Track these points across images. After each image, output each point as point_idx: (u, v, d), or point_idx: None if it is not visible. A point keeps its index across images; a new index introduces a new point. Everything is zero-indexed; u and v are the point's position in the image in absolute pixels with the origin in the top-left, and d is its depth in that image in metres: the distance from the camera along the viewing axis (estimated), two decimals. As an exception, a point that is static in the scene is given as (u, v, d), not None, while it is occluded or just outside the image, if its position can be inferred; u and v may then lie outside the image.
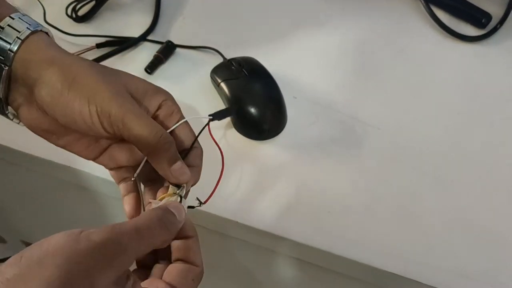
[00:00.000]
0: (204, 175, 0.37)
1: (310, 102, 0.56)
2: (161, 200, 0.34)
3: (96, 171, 0.50)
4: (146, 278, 0.33)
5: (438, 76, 0.58)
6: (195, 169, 0.36)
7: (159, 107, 0.36)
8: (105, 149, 0.37)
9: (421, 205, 0.48)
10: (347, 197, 0.48)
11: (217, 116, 0.45)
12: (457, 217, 0.47)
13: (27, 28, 0.34)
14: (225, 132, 0.53)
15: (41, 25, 0.35)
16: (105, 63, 0.59)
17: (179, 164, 0.34)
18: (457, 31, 0.61)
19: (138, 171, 0.37)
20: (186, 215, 0.32)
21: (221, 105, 0.55)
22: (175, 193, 0.34)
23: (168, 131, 0.36)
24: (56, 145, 0.36)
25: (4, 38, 0.33)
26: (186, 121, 0.37)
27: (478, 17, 0.62)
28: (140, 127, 0.32)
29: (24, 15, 0.35)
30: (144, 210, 0.37)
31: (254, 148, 0.52)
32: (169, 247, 0.33)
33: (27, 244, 0.91)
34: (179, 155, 0.34)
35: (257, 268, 0.59)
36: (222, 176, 0.38)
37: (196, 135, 0.37)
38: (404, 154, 0.51)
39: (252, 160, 0.51)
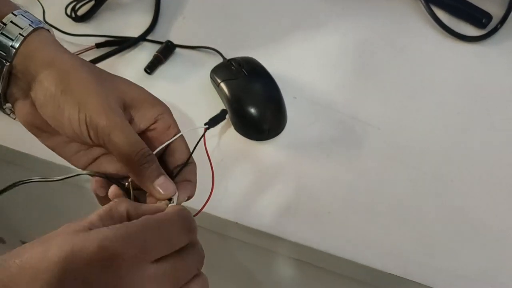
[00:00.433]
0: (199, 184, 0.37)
1: (310, 102, 0.55)
2: None
3: (96, 171, 0.50)
4: None
5: (438, 76, 0.58)
6: (190, 184, 0.36)
7: (155, 121, 0.36)
8: (95, 159, 0.37)
9: (421, 205, 0.48)
10: (347, 198, 0.48)
11: (212, 123, 0.47)
12: (457, 217, 0.47)
13: (29, 25, 0.34)
14: (225, 133, 0.53)
15: (42, 22, 0.36)
16: (104, 63, 0.59)
17: (161, 179, 0.33)
18: (457, 31, 0.61)
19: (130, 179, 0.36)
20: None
21: (221, 105, 0.54)
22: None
23: (163, 146, 0.36)
24: (45, 145, 0.36)
25: (7, 34, 0.33)
26: (182, 136, 0.36)
27: (478, 17, 0.62)
28: (123, 144, 0.32)
29: (26, 12, 0.35)
30: None
31: (254, 149, 0.52)
32: None
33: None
34: (162, 171, 0.34)
35: (257, 269, 0.59)
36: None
37: (193, 146, 0.37)
38: (404, 154, 0.51)
39: (252, 160, 0.51)
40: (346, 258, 0.44)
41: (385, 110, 0.55)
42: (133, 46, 0.61)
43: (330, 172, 0.50)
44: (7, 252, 0.28)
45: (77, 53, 0.58)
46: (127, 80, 0.36)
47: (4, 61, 0.33)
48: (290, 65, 0.59)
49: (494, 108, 0.55)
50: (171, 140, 0.36)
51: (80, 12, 0.64)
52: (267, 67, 0.55)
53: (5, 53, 0.33)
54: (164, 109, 0.36)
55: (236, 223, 0.46)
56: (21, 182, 0.38)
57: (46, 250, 0.27)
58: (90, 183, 0.36)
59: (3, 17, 0.34)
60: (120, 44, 0.61)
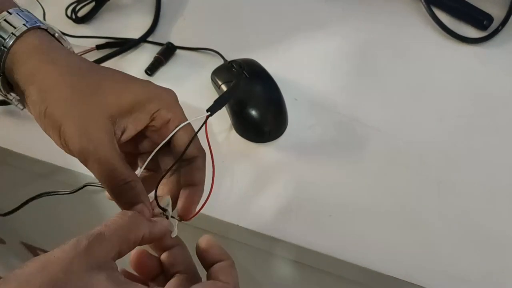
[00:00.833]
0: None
1: (311, 104, 0.55)
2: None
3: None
4: None
5: (439, 78, 0.58)
6: (193, 189, 0.36)
7: (152, 119, 0.35)
8: None
9: (422, 208, 0.47)
10: (348, 200, 0.48)
11: (215, 107, 0.40)
12: (459, 221, 0.47)
13: (24, 24, 0.34)
14: (225, 135, 0.53)
15: (38, 21, 0.35)
16: (105, 64, 0.59)
17: (139, 207, 0.33)
18: (459, 33, 0.61)
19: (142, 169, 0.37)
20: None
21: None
22: (162, 213, 0.35)
23: (161, 144, 0.35)
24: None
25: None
26: (187, 127, 0.36)
27: (479, 19, 0.62)
28: (98, 174, 0.32)
29: (22, 11, 0.35)
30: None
31: (254, 151, 0.52)
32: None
33: (27, 245, 0.91)
34: (140, 197, 0.33)
35: (258, 271, 0.58)
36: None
37: (192, 137, 0.36)
38: (405, 156, 0.51)
39: (253, 162, 0.51)
40: (347, 260, 0.44)
41: (386, 112, 0.55)
42: (134, 47, 0.61)
43: (331, 174, 0.50)
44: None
45: (77, 55, 0.58)
46: (118, 82, 0.34)
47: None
48: (291, 67, 0.59)
49: (496, 110, 0.55)
50: (161, 145, 0.35)
51: (80, 14, 0.63)
52: (268, 69, 0.55)
53: None
54: (160, 104, 0.35)
55: (237, 225, 0.46)
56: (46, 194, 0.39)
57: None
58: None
59: None
60: (120, 46, 0.61)
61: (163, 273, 0.34)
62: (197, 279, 0.33)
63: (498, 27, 0.61)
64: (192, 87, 0.57)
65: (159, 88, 0.36)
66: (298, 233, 0.46)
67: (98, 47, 0.60)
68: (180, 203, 0.36)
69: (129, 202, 0.33)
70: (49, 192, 0.40)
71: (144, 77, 0.58)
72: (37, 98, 0.32)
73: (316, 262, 0.47)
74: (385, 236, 0.46)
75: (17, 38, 0.33)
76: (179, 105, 0.37)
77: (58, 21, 0.62)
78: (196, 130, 0.36)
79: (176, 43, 0.61)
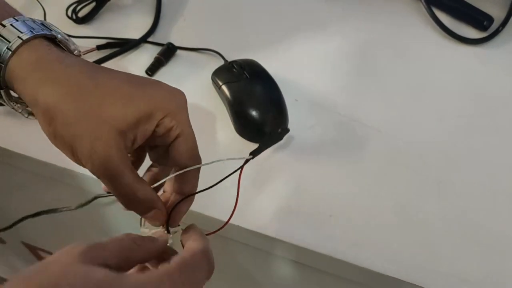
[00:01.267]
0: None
1: (311, 105, 0.55)
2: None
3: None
4: None
5: (439, 78, 0.58)
6: (185, 202, 0.37)
7: (156, 126, 0.34)
8: None
9: (422, 208, 0.47)
10: (348, 201, 0.48)
11: (258, 151, 0.40)
12: (459, 221, 0.47)
13: (18, 37, 0.33)
14: (226, 135, 0.53)
15: (37, 25, 0.35)
16: (105, 65, 0.59)
17: (151, 214, 0.35)
18: (459, 34, 0.61)
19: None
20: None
21: (222, 108, 0.54)
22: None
23: (158, 183, 0.37)
24: None
25: None
26: (187, 135, 0.36)
27: (479, 20, 0.62)
28: (112, 188, 0.33)
29: (18, 21, 0.34)
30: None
31: (255, 151, 0.52)
32: None
33: (27, 245, 0.91)
34: (154, 202, 0.35)
35: (258, 271, 0.58)
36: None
37: (227, 174, 0.37)
38: (405, 156, 0.51)
39: (253, 162, 0.51)
40: (347, 261, 0.44)
41: (386, 113, 0.55)
42: (134, 48, 0.61)
43: (331, 174, 0.50)
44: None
45: (78, 55, 0.58)
46: (122, 97, 0.33)
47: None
48: (291, 67, 0.59)
49: (496, 110, 0.55)
50: (166, 178, 0.36)
51: (81, 14, 0.64)
52: (269, 69, 0.55)
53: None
54: (164, 112, 0.34)
55: (237, 225, 0.46)
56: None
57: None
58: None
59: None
60: (121, 46, 0.61)
61: None
62: None
63: (498, 27, 0.61)
64: (192, 88, 0.57)
65: (165, 94, 0.35)
66: (298, 233, 0.46)
67: (99, 47, 0.60)
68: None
69: (144, 211, 0.35)
70: (47, 210, 0.41)
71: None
72: (43, 122, 0.32)
73: (315, 263, 0.47)
74: (385, 236, 0.46)
75: (13, 53, 0.33)
76: (185, 109, 0.36)
77: (58, 21, 0.61)
78: (235, 170, 0.37)
79: (177, 43, 0.61)
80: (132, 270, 0.31)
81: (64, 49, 0.37)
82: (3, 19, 0.34)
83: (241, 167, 0.37)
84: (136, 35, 0.62)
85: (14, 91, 0.34)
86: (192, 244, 0.33)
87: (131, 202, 0.34)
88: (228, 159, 0.36)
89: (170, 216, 0.36)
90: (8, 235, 0.90)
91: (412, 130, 0.53)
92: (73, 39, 0.59)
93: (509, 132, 0.53)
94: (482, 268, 0.44)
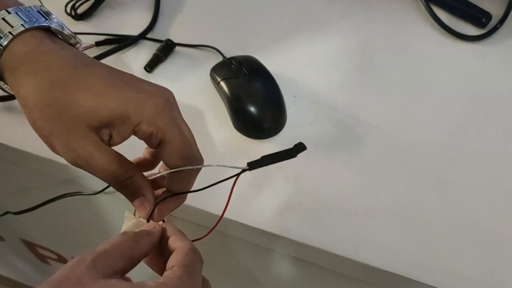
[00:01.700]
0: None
1: (310, 101, 0.55)
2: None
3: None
4: None
5: (438, 75, 0.58)
6: (173, 200, 0.37)
7: (133, 132, 0.34)
8: None
9: (421, 205, 0.48)
10: (346, 197, 0.48)
11: (255, 165, 0.38)
12: (458, 218, 0.47)
13: (9, 32, 0.33)
14: (224, 131, 0.53)
15: (30, 15, 0.35)
16: (104, 61, 0.59)
17: (137, 201, 0.36)
18: (457, 31, 0.61)
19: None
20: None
21: (220, 104, 0.54)
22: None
23: (152, 177, 0.37)
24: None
25: None
26: (172, 138, 0.34)
27: (478, 17, 0.62)
28: (98, 177, 0.34)
29: (20, 9, 0.35)
30: None
31: (253, 147, 0.52)
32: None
33: (26, 242, 0.91)
34: (142, 189, 0.35)
35: (256, 267, 0.59)
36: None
37: (221, 179, 0.37)
38: (404, 153, 0.51)
39: (252, 159, 0.51)
40: (345, 256, 0.44)
41: (385, 110, 0.55)
42: (133, 44, 0.61)
43: (330, 171, 0.50)
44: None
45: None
46: (96, 95, 0.33)
47: None
48: (290, 64, 0.59)
49: (494, 107, 0.55)
50: (170, 171, 0.36)
51: (80, 10, 0.63)
52: (267, 65, 0.55)
53: None
54: (139, 118, 0.33)
55: (235, 221, 0.46)
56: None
57: None
58: None
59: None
60: (120, 43, 0.61)
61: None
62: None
63: (497, 24, 0.61)
64: (191, 84, 0.57)
65: (141, 98, 0.33)
66: (296, 228, 0.46)
67: (98, 43, 0.60)
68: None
69: (131, 195, 0.35)
70: (71, 193, 0.42)
71: (144, 74, 0.58)
72: (24, 113, 0.33)
73: (314, 258, 0.47)
74: (383, 233, 0.46)
75: (4, 48, 0.33)
76: (166, 112, 0.34)
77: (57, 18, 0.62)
78: (228, 177, 0.37)
79: (175, 40, 0.61)
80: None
81: (59, 37, 0.37)
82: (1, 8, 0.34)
83: (236, 176, 0.36)
84: (135, 31, 0.62)
85: (5, 82, 0.35)
86: (181, 244, 0.34)
87: (117, 187, 0.35)
88: (218, 165, 0.36)
89: (156, 209, 0.36)
90: (7, 233, 0.91)
91: (411, 127, 0.53)
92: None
93: (507, 130, 0.53)
94: (481, 265, 0.44)
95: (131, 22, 0.63)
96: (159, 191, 0.39)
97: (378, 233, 0.46)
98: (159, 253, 0.35)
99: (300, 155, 0.51)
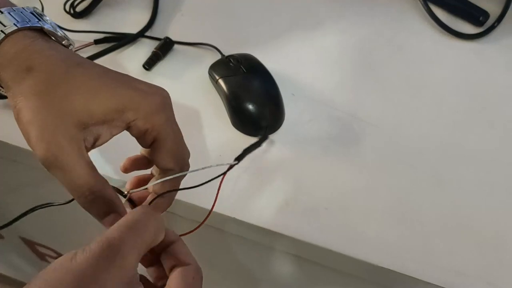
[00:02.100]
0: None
1: (308, 99, 0.56)
2: None
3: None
4: None
5: (435, 73, 0.59)
6: (162, 201, 0.36)
7: (127, 127, 0.33)
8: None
9: (418, 202, 0.48)
10: (344, 194, 0.48)
11: (242, 156, 0.40)
12: (455, 215, 0.47)
13: (1, 31, 0.33)
14: (223, 129, 0.53)
15: (22, 16, 0.34)
16: (103, 59, 0.59)
17: (111, 218, 0.32)
18: (455, 29, 0.62)
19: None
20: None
21: (219, 102, 0.55)
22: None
23: (140, 189, 0.36)
24: None
25: None
26: (165, 138, 0.34)
27: (475, 15, 0.62)
28: (62, 182, 0.32)
29: (13, 10, 0.34)
30: None
31: (251, 145, 0.52)
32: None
33: (25, 240, 0.91)
34: (112, 204, 0.33)
35: (254, 264, 0.59)
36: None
37: (211, 178, 0.36)
38: (402, 151, 0.51)
39: (250, 156, 0.51)
40: (343, 253, 0.44)
41: (383, 108, 0.55)
42: (132, 42, 0.61)
43: (328, 169, 0.50)
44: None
45: (76, 50, 0.58)
46: (90, 91, 0.32)
47: None
48: (288, 62, 0.59)
49: (492, 105, 0.55)
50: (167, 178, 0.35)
51: (78, 8, 0.64)
52: (265, 64, 0.55)
53: None
54: (135, 114, 0.33)
55: (233, 217, 0.47)
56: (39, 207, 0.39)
57: None
58: None
59: None
60: (118, 41, 0.61)
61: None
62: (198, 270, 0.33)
63: (494, 23, 0.62)
64: (189, 82, 0.57)
65: (138, 95, 0.33)
66: (294, 225, 0.46)
67: (96, 41, 0.60)
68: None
69: (100, 214, 0.33)
70: (42, 205, 0.41)
71: (142, 71, 0.58)
72: (12, 103, 0.32)
73: (312, 255, 0.47)
74: (380, 229, 0.46)
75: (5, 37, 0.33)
76: (163, 111, 0.34)
77: (56, 16, 0.62)
78: (217, 175, 0.36)
79: (174, 38, 0.61)
80: None
81: (52, 39, 0.36)
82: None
83: (224, 173, 0.37)
84: (134, 29, 0.62)
85: None
86: (188, 261, 0.33)
87: (86, 201, 0.32)
88: (210, 166, 0.36)
89: None
90: (6, 231, 0.91)
91: (409, 125, 0.54)
92: (71, 34, 0.60)
93: (505, 127, 0.53)
94: (478, 262, 0.44)
95: (130, 20, 0.64)
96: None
97: (375, 230, 0.46)
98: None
99: (299, 153, 0.51)
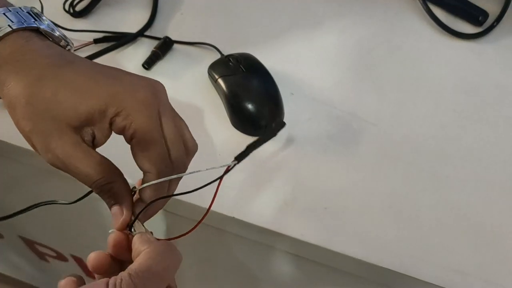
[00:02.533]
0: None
1: (307, 98, 0.56)
2: None
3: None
4: None
5: (434, 73, 0.59)
6: (155, 205, 0.35)
7: (110, 124, 0.32)
8: None
9: (416, 201, 0.48)
10: (343, 193, 0.48)
11: (242, 156, 0.39)
12: (453, 213, 0.47)
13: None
14: (222, 128, 0.53)
15: (18, 17, 0.34)
16: (102, 58, 0.59)
17: (114, 209, 0.34)
18: (454, 29, 0.62)
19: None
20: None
21: (218, 102, 0.55)
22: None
23: (138, 188, 0.35)
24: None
25: None
26: (145, 136, 0.33)
27: (475, 15, 0.62)
28: (77, 179, 0.33)
29: (9, 11, 0.34)
30: None
31: (251, 144, 0.52)
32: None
33: (25, 239, 0.91)
34: (119, 197, 0.33)
35: (254, 263, 0.59)
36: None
37: (208, 182, 0.35)
38: (400, 150, 0.52)
39: (249, 155, 0.51)
40: (342, 253, 0.45)
41: (382, 107, 0.55)
42: (131, 41, 0.61)
43: (327, 168, 0.50)
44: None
45: (75, 49, 0.58)
46: (75, 91, 0.32)
47: None
48: (287, 61, 0.59)
49: (490, 105, 0.56)
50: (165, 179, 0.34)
51: (78, 8, 0.64)
52: (265, 63, 0.55)
53: None
54: (116, 110, 0.32)
55: (232, 217, 0.47)
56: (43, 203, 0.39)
57: None
58: None
59: None
60: (118, 40, 0.61)
61: None
62: None
63: (493, 23, 0.62)
64: (189, 81, 0.57)
65: (125, 90, 0.32)
66: (293, 225, 0.46)
67: (96, 41, 0.60)
68: None
69: (109, 202, 0.34)
70: (46, 202, 0.41)
71: (142, 71, 0.58)
72: (8, 111, 0.33)
73: (311, 254, 0.48)
74: (379, 228, 0.46)
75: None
76: (149, 107, 0.33)
77: (56, 15, 0.62)
78: (218, 177, 0.35)
79: (174, 37, 0.61)
80: None
81: (49, 39, 0.36)
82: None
83: (222, 176, 0.36)
84: (133, 29, 0.62)
85: None
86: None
87: (96, 191, 0.33)
88: (207, 169, 0.35)
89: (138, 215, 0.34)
90: (5, 230, 0.91)
91: (407, 124, 0.54)
92: (70, 33, 0.60)
93: (502, 126, 0.54)
94: (477, 260, 0.44)
95: (129, 20, 0.64)
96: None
97: (374, 228, 0.46)
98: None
99: (298, 152, 0.51)
